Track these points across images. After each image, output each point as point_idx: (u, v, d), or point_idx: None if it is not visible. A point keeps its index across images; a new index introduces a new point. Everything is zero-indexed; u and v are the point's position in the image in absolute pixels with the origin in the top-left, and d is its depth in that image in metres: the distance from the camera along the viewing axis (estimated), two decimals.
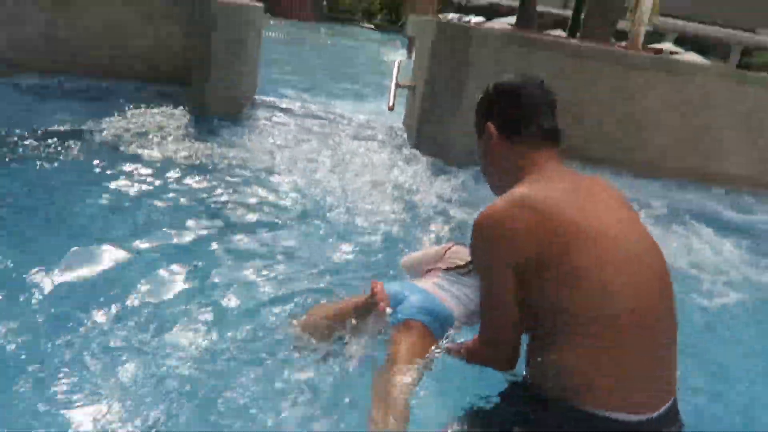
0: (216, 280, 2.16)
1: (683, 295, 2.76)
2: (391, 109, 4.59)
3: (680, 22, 34.16)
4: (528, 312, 1.46)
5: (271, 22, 17.25)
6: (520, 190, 1.49)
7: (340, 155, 4.14)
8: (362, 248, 2.69)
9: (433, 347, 1.70)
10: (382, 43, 14.34)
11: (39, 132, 3.46)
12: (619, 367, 1.34)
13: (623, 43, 7.99)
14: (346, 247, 2.68)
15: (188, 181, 3.15)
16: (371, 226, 2.99)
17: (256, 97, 5.46)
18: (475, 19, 4.70)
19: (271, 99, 5.63)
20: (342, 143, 4.54)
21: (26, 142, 3.29)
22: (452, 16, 4.67)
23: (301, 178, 3.53)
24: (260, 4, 4.91)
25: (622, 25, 9.26)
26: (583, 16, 7.65)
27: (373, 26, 28.64)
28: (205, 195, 3.01)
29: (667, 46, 29.24)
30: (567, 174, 1.57)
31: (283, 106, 5.51)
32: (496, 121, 1.60)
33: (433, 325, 1.76)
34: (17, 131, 3.38)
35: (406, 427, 1.50)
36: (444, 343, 1.71)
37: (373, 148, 4.56)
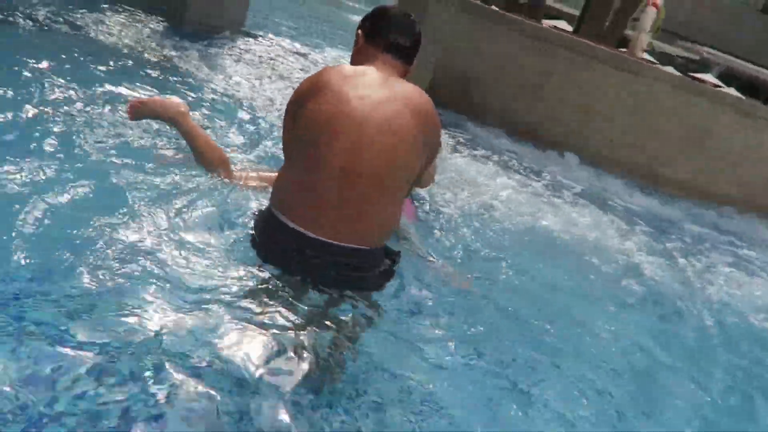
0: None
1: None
2: None
3: (729, 57, 33.61)
4: None
5: None
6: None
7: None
8: None
9: None
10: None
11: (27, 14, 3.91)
12: (304, 190, 1.82)
13: (623, 50, 8.15)
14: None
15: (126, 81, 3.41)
16: None
17: (244, 28, 5.84)
18: None
19: (261, 32, 5.98)
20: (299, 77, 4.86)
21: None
22: None
23: (239, 99, 3.81)
24: None
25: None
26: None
27: None
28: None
29: (709, 78, 28.89)
30: (383, 72, 1.96)
31: (268, 40, 5.85)
32: (364, 30, 2.08)
33: None
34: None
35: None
36: None
37: None
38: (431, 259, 2.31)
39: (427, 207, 3.01)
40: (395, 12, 2.14)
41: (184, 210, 2.07)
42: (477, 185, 3.82)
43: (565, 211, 3.98)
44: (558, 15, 10.25)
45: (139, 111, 2.48)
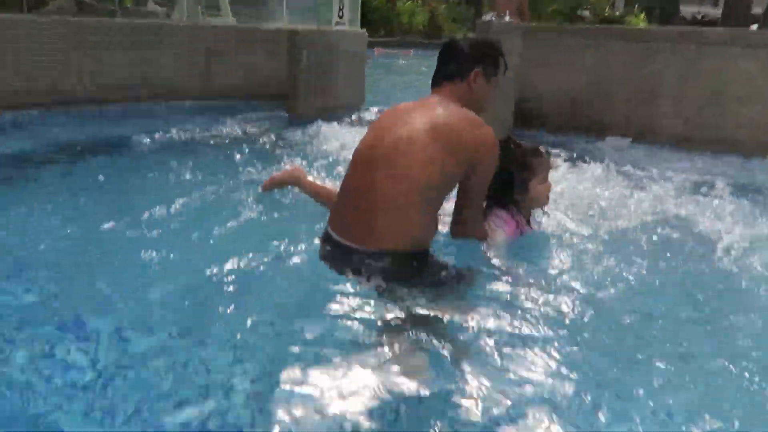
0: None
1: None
2: None
3: None
4: None
5: None
6: None
7: None
8: None
9: None
10: None
11: (171, 133, 5.09)
12: (339, 202, 2.24)
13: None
14: None
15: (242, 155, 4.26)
16: None
17: (363, 107, 6.55)
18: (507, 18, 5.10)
19: (378, 107, 6.59)
20: None
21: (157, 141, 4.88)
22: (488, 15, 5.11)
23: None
24: (354, 30, 6.01)
25: None
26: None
27: None
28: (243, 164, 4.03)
29: None
30: (434, 98, 2.29)
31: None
32: None
33: None
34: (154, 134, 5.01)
35: None
36: None
37: None
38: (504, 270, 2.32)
39: (545, 222, 2.91)
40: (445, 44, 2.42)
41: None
42: (598, 199, 3.55)
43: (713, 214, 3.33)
44: None
45: (268, 185, 3.17)
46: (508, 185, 2.48)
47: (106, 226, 2.80)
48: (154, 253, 2.47)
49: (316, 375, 1.72)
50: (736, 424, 1.62)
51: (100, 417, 1.56)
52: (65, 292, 2.24)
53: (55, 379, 1.70)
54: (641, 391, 1.72)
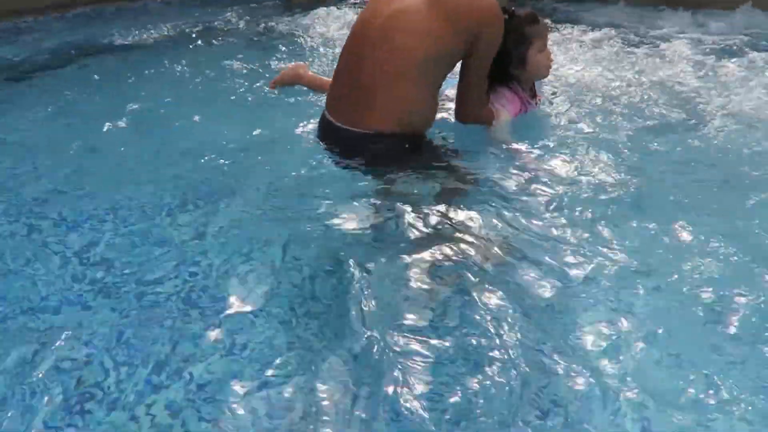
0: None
1: None
2: None
3: None
4: None
5: None
6: None
7: None
8: None
9: None
10: None
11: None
12: (333, 83, 2.26)
13: None
14: None
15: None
16: None
17: None
18: None
19: None
20: None
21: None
22: None
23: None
24: None
25: None
26: None
27: None
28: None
29: None
30: None
31: None
32: None
33: None
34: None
35: None
36: None
37: None
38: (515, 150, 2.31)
39: (549, 96, 2.87)
40: None
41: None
42: (602, 68, 3.44)
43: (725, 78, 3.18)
44: None
45: (275, 82, 3.23)
46: (505, 60, 2.34)
47: (105, 127, 2.87)
48: (153, 150, 2.58)
49: (313, 253, 1.81)
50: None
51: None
52: (67, 185, 2.37)
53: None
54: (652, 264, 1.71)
